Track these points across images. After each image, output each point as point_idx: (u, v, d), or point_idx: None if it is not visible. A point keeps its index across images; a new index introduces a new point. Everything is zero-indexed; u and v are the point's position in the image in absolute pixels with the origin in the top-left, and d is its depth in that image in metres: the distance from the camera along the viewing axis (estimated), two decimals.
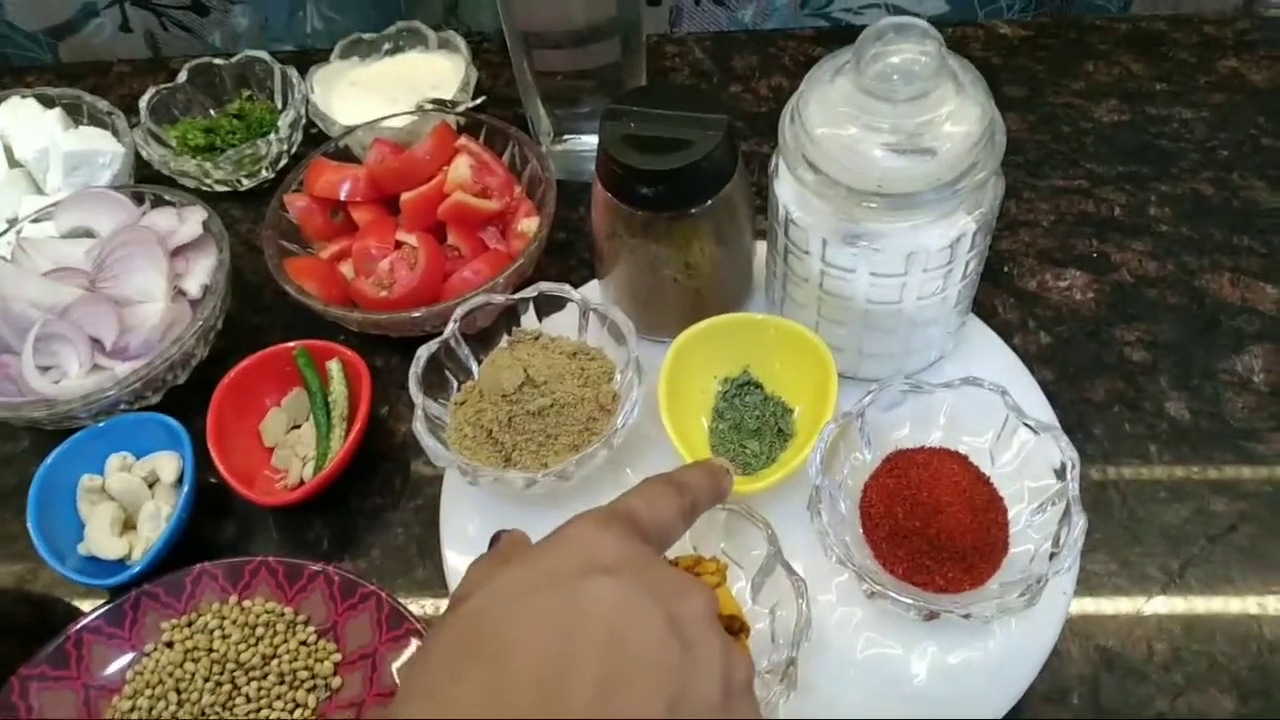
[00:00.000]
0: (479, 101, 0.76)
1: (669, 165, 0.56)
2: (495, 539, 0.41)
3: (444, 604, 0.59)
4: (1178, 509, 0.60)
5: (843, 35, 0.89)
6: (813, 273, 0.56)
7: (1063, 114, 0.81)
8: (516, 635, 0.31)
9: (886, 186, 0.51)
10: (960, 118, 0.51)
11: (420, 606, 0.59)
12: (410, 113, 0.75)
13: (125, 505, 0.62)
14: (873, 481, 0.56)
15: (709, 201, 0.58)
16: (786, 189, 0.56)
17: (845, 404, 0.56)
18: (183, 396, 0.68)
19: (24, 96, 0.83)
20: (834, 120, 0.52)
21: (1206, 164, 0.77)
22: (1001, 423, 0.55)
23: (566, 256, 0.76)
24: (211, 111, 0.84)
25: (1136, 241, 0.73)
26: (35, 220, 0.72)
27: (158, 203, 0.72)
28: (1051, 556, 0.50)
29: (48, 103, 0.83)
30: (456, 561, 0.58)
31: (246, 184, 0.80)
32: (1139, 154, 0.78)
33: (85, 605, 0.62)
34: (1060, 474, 0.53)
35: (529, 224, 0.70)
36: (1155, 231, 0.73)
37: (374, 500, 0.64)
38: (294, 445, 0.64)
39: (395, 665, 0.56)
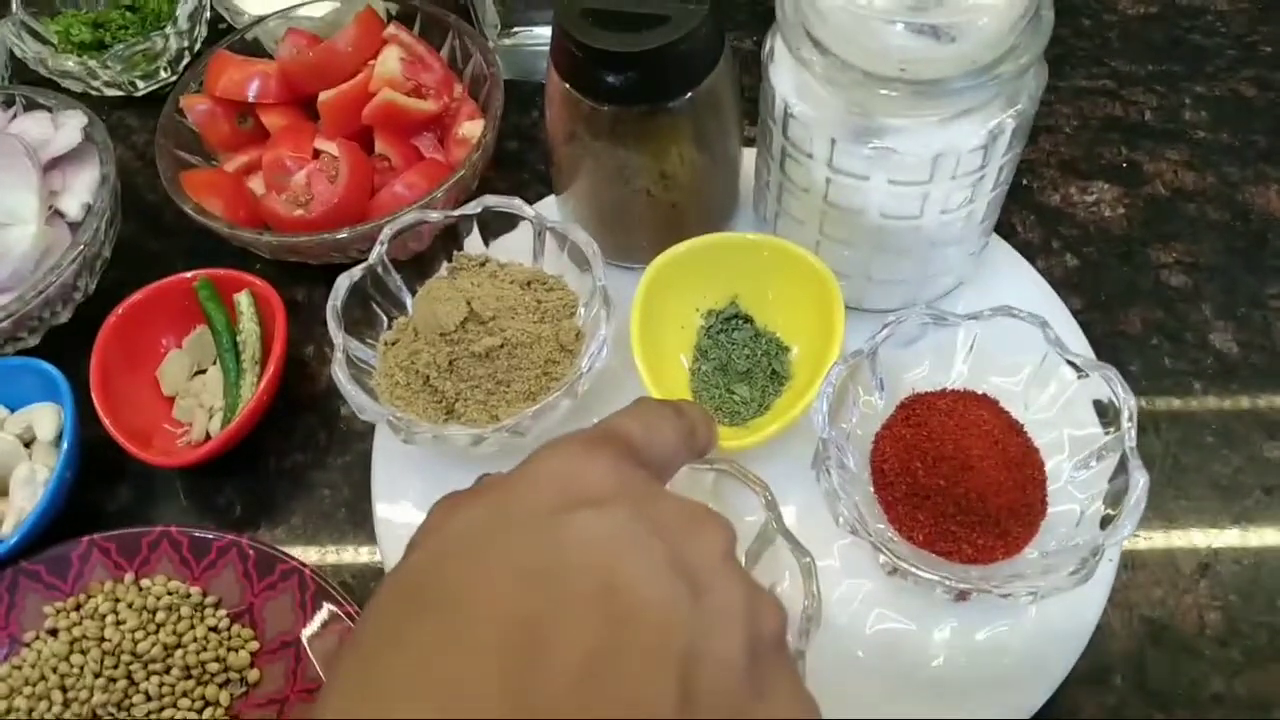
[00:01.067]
0: None
1: (641, 46, 0.45)
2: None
3: (380, 581, 0.50)
4: (1228, 456, 0.52)
5: None
6: (816, 181, 0.47)
7: (1083, 6, 0.72)
8: (475, 592, 0.24)
9: (910, 71, 0.41)
10: None
11: (352, 583, 0.50)
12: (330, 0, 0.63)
13: None
14: (886, 432, 0.47)
15: (689, 94, 0.47)
16: (785, 77, 0.46)
17: (852, 340, 0.47)
18: (66, 338, 0.57)
19: None
20: None
21: (1246, 61, 0.68)
22: (1040, 360, 0.46)
23: (518, 169, 0.65)
24: (100, 5, 0.72)
25: (1171, 149, 0.64)
26: None
27: (31, 106, 0.60)
28: (1104, 523, 0.42)
29: None
30: (391, 531, 0.49)
31: (142, 87, 0.68)
32: (1170, 50, 0.69)
33: None
34: (1108, 421, 0.44)
35: (471, 128, 0.59)
36: (1191, 138, 0.64)
37: (295, 458, 0.54)
38: (198, 394, 0.54)
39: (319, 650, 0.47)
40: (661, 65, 0.46)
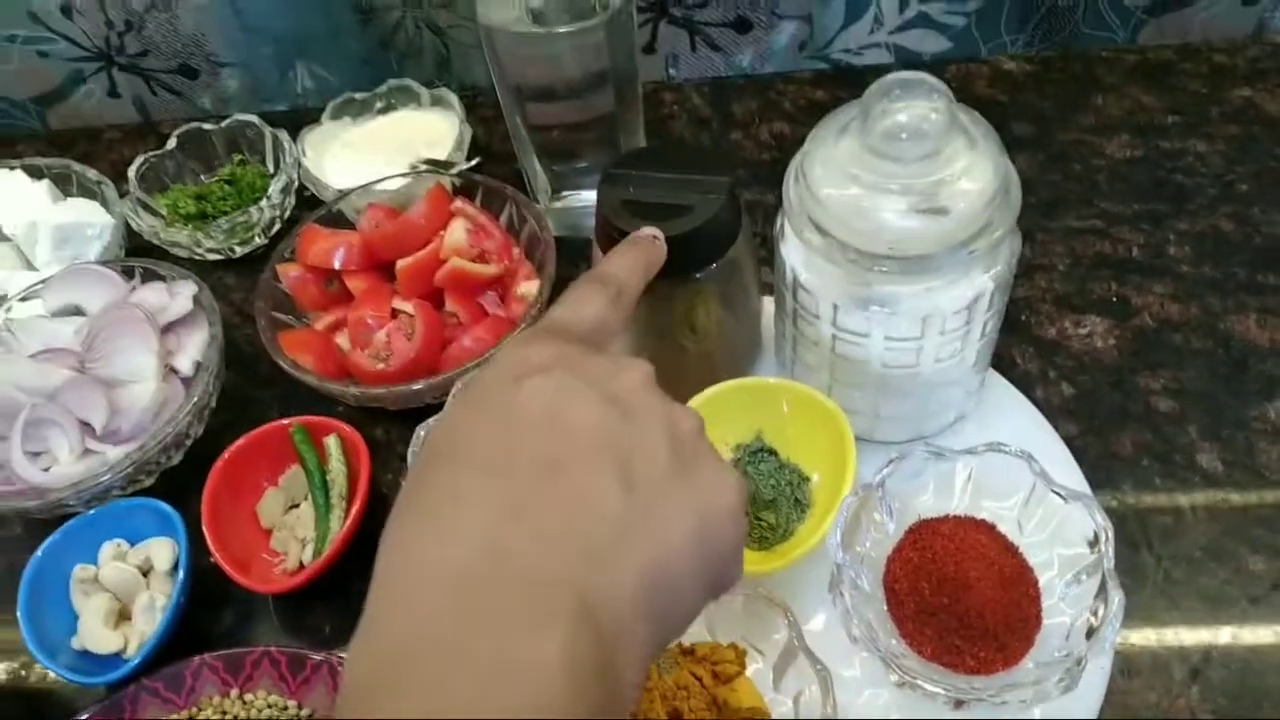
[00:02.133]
0: (474, 163, 0.74)
1: (670, 231, 0.53)
2: None
3: None
4: (1215, 569, 0.57)
5: (843, 78, 0.87)
6: (824, 337, 0.54)
7: (1073, 151, 0.79)
8: (465, 439, 0.33)
9: (899, 249, 0.49)
10: (973, 175, 0.49)
11: None
12: (404, 174, 0.73)
13: (120, 596, 0.60)
14: (896, 554, 0.53)
15: (712, 266, 0.56)
16: (793, 251, 0.54)
17: (864, 468, 0.54)
18: (178, 477, 0.65)
19: (11, 169, 0.81)
20: (841, 181, 0.50)
21: (1225, 199, 0.75)
22: (1029, 489, 0.53)
23: None
24: (202, 177, 0.83)
25: (1157, 283, 0.70)
26: (23, 299, 0.70)
27: (148, 276, 0.70)
28: (1089, 635, 0.47)
29: (36, 174, 0.81)
30: None
31: (240, 251, 0.78)
32: (1154, 191, 0.76)
33: (83, 701, 0.60)
34: (1094, 543, 0.50)
35: (529, 287, 0.68)
36: (1176, 272, 0.71)
37: None
38: (292, 527, 0.62)
39: None
40: (687, 246, 0.54)
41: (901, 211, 0.49)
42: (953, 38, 0.86)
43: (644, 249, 0.49)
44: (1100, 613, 0.47)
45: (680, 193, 0.55)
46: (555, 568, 0.30)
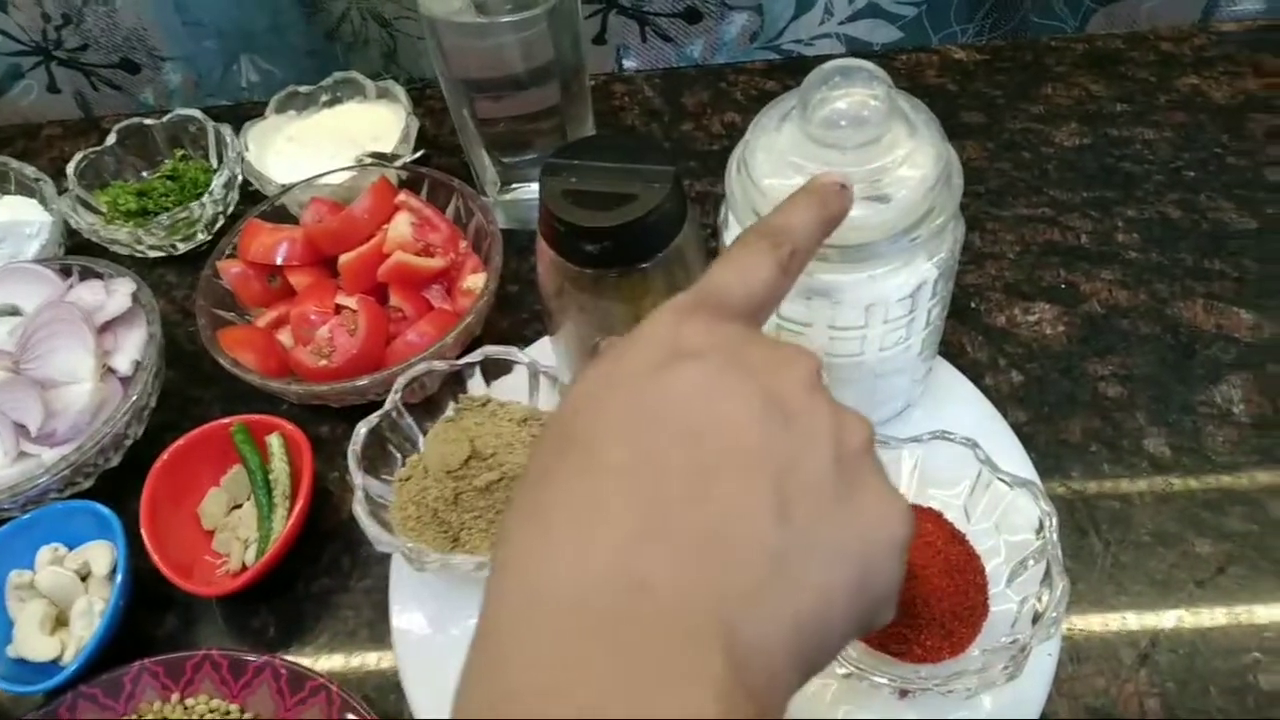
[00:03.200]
0: (419, 155, 0.73)
1: (613, 221, 0.53)
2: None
3: (399, 694, 0.55)
4: (1163, 553, 0.57)
5: (794, 67, 0.87)
6: (768, 327, 0.53)
7: (1023, 140, 0.80)
8: (599, 431, 0.29)
9: (840, 237, 0.48)
10: (914, 162, 0.49)
11: (374, 695, 0.56)
12: (348, 168, 0.72)
13: (56, 601, 0.59)
14: None
15: (659, 255, 0.55)
16: None
17: None
18: (118, 479, 0.64)
19: None
20: (782, 170, 0.50)
21: (1172, 186, 0.75)
22: (975, 476, 0.52)
23: (518, 309, 0.73)
24: (144, 174, 0.81)
25: (1105, 270, 0.70)
26: None
27: (86, 274, 0.68)
28: (1034, 621, 0.47)
29: None
30: (407, 643, 0.55)
31: (182, 248, 0.77)
32: (1103, 178, 0.76)
33: (19, 710, 0.58)
34: (1039, 529, 0.50)
35: (475, 280, 0.67)
36: (1124, 259, 0.71)
37: (322, 582, 0.61)
38: (235, 528, 0.61)
39: None
40: (631, 236, 0.53)
41: None
42: (903, 28, 0.86)
43: (826, 198, 0.38)
44: (1045, 599, 0.47)
45: (624, 182, 0.54)
46: (702, 607, 0.26)
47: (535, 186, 0.74)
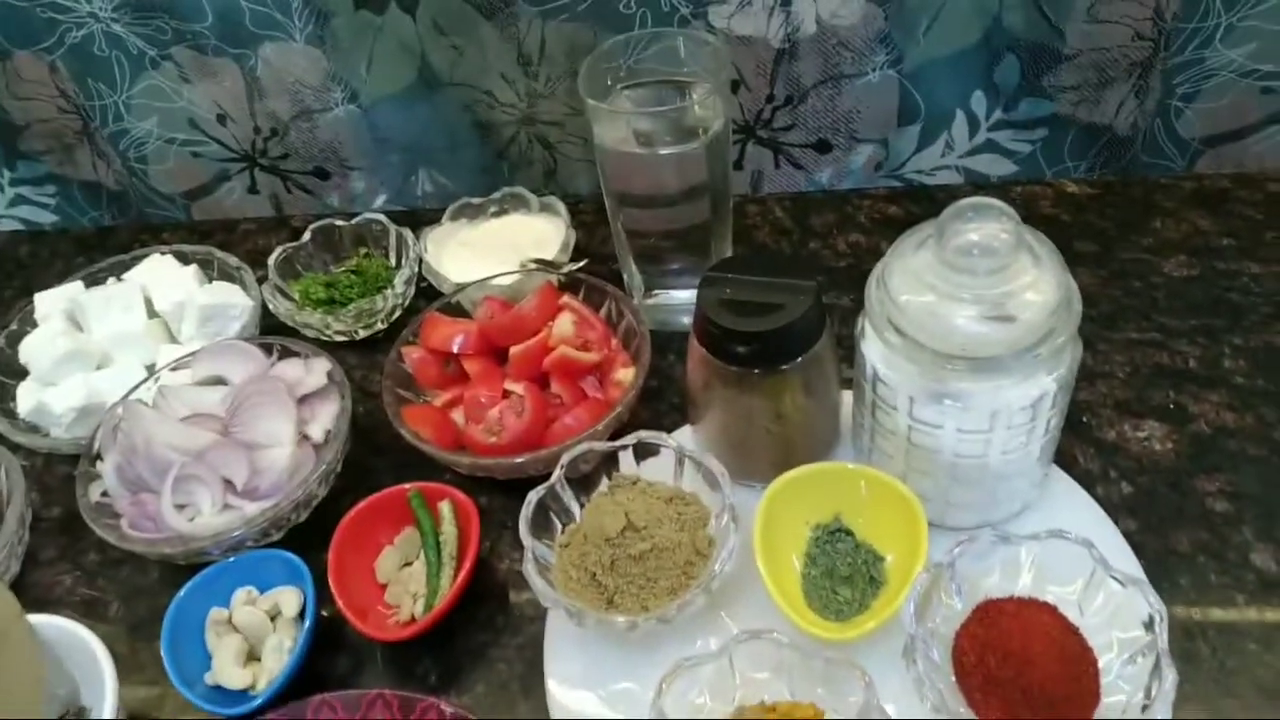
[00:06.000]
0: (582, 264, 0.82)
1: (761, 327, 0.60)
2: None
3: None
4: (1270, 661, 0.60)
5: (916, 195, 0.94)
6: (901, 427, 0.60)
7: (1133, 269, 0.85)
8: None
9: (970, 350, 0.55)
10: (1038, 288, 0.55)
11: None
12: (516, 272, 0.81)
13: (249, 638, 0.66)
14: (964, 630, 0.58)
15: (799, 359, 0.62)
16: (873, 349, 0.60)
17: (934, 552, 0.59)
18: (302, 533, 0.72)
19: (163, 253, 0.92)
20: (917, 288, 0.57)
21: (1278, 316, 0.79)
22: (1089, 574, 0.57)
23: (657, 402, 0.80)
24: (330, 267, 0.92)
25: (1213, 393, 0.75)
26: (174, 369, 0.79)
27: (285, 353, 0.78)
28: (1143, 709, 0.51)
29: (184, 259, 0.91)
30: (563, 698, 0.61)
31: (362, 334, 0.86)
32: (1210, 307, 0.81)
33: None
34: (1149, 626, 0.54)
35: (625, 374, 0.75)
36: (1231, 384, 0.75)
37: (478, 637, 0.67)
38: (406, 583, 0.68)
39: None
40: (778, 340, 0.60)
41: (972, 318, 0.55)
42: (1019, 162, 0.93)
43: None
44: (1154, 690, 0.51)
45: (771, 293, 0.61)
46: None
47: (676, 294, 0.83)
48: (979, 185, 0.95)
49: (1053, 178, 0.94)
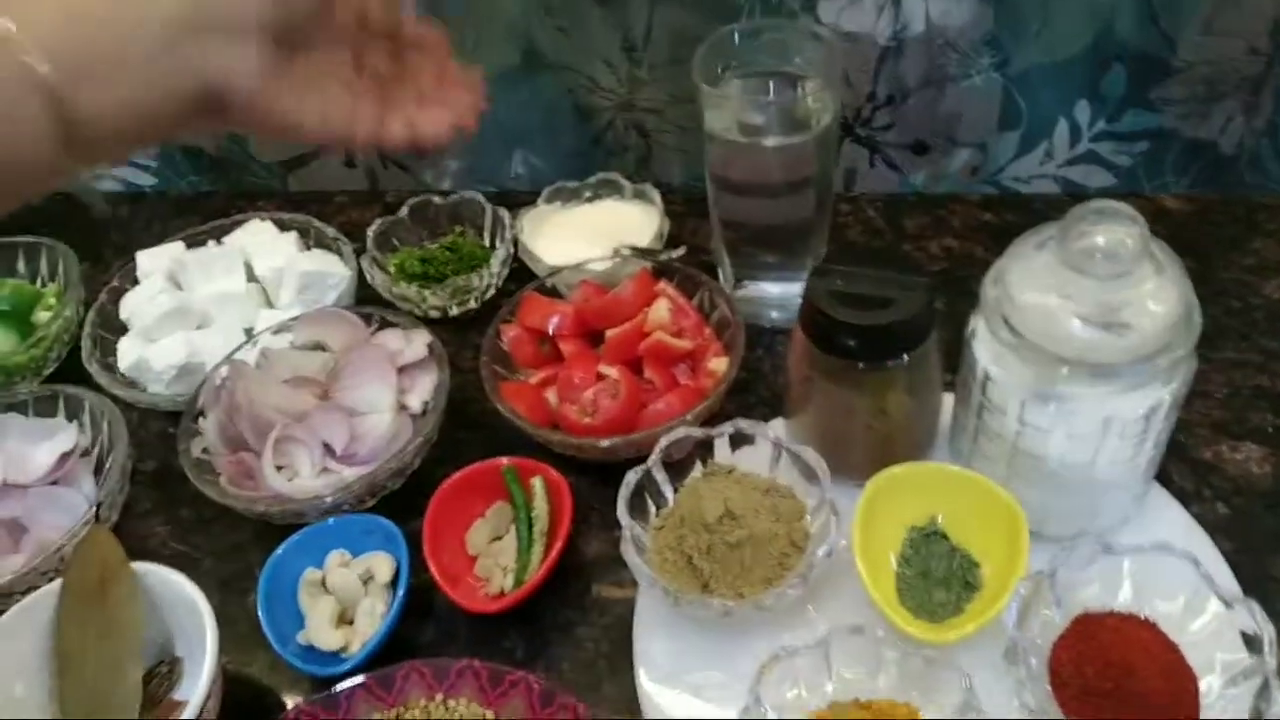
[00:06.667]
0: (680, 251, 0.83)
1: (871, 321, 0.60)
2: None
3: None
4: None
5: (1011, 202, 0.94)
6: (1008, 430, 0.59)
7: (1233, 289, 0.84)
8: None
9: (1085, 355, 0.54)
10: (1159, 298, 0.55)
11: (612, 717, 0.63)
12: (612, 257, 0.82)
13: (342, 600, 0.67)
14: (1062, 642, 0.57)
15: (906, 356, 0.62)
16: (985, 349, 0.59)
17: (1032, 561, 0.58)
18: (395, 501, 0.73)
19: (263, 219, 0.93)
20: (1036, 289, 0.56)
21: None
22: (1192, 591, 0.56)
23: (745, 394, 0.80)
24: (425, 243, 0.93)
25: None
26: (276, 332, 0.80)
27: (384, 324, 0.80)
28: None
29: (283, 226, 0.93)
30: (650, 680, 0.62)
31: (455, 311, 0.87)
32: None
33: (292, 693, 0.67)
34: (1253, 647, 0.54)
35: (718, 363, 0.75)
36: None
37: (565, 614, 0.68)
38: (496, 555, 0.69)
39: None
40: (887, 336, 0.60)
41: (1091, 323, 0.55)
42: (1118, 175, 0.92)
43: None
44: (1265, 712, 0.51)
45: (883, 288, 0.61)
46: None
47: (766, 287, 0.84)
48: (1075, 196, 0.93)
49: (1151, 192, 0.93)
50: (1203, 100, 0.86)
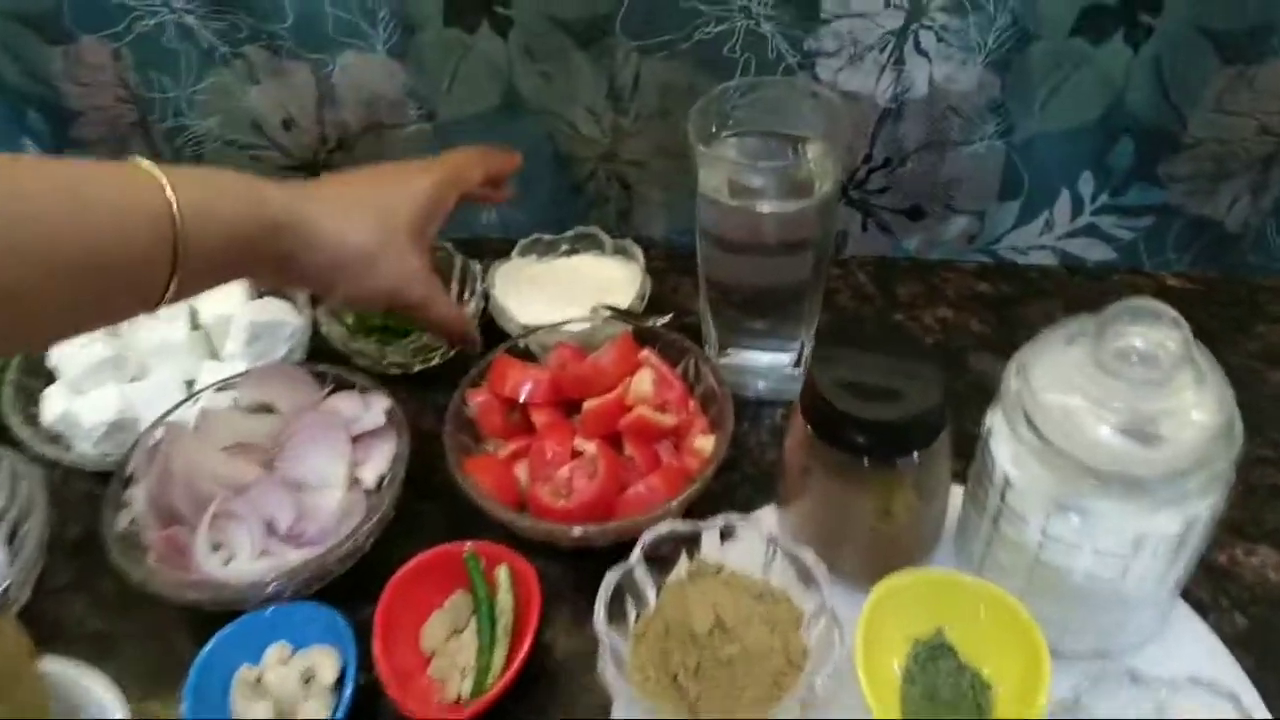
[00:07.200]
0: (667, 318, 0.77)
1: (883, 416, 0.55)
2: None
3: None
4: None
5: (1007, 272, 0.89)
6: (1029, 541, 0.54)
7: (1240, 376, 0.78)
8: None
9: (1114, 467, 0.50)
10: (1200, 409, 0.50)
11: None
12: (591, 318, 0.76)
13: (279, 704, 0.60)
14: None
15: (916, 455, 0.57)
16: (1004, 448, 0.54)
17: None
18: (341, 584, 0.66)
19: None
20: (1064, 388, 0.52)
21: None
22: None
23: (730, 472, 0.74)
24: None
25: None
26: (219, 390, 0.73)
27: (339, 385, 0.73)
28: None
29: None
30: None
31: (418, 368, 0.81)
32: None
33: None
34: None
35: (705, 442, 0.69)
36: None
37: None
38: (454, 655, 0.62)
39: None
40: (897, 433, 0.55)
41: (1124, 431, 0.50)
42: (1118, 249, 0.88)
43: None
44: None
45: (892, 378, 0.56)
46: None
47: (752, 355, 0.78)
48: (1074, 269, 0.90)
49: (1152, 269, 0.89)
50: (1210, 178, 0.83)
